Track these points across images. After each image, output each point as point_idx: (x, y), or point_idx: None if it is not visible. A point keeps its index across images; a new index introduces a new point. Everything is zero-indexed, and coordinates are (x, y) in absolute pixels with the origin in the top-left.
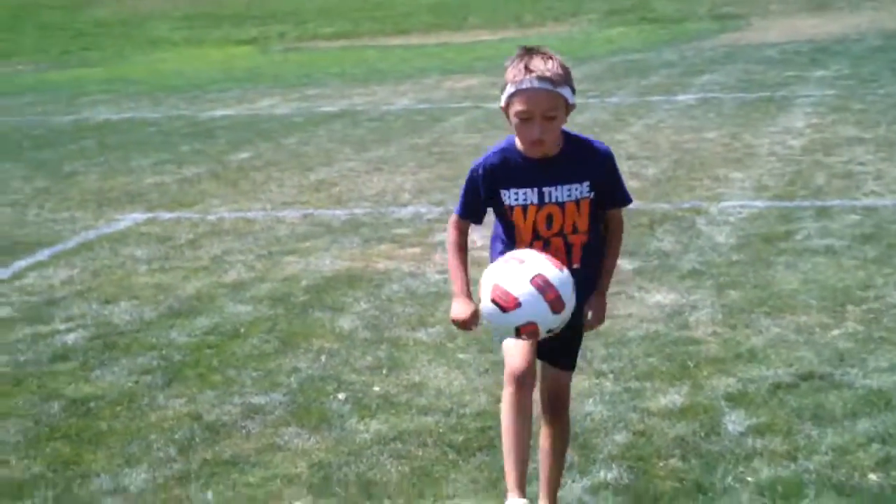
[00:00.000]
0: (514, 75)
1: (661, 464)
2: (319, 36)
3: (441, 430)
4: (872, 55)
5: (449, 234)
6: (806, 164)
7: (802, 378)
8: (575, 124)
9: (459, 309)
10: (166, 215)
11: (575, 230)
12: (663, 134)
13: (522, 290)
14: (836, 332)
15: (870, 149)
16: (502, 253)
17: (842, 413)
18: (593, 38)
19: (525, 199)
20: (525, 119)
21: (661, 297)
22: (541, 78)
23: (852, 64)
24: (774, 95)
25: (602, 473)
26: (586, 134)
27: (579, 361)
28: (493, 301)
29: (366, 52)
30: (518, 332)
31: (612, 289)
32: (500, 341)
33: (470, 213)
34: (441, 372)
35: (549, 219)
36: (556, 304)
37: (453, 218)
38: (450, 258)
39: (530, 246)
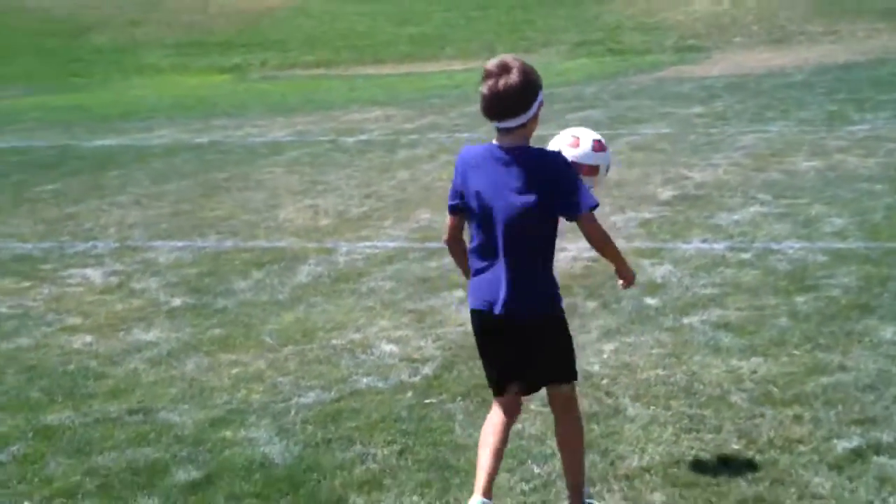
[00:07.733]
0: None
1: None
2: (299, 64)
3: None
4: (773, 91)
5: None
6: None
7: None
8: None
9: None
10: None
11: None
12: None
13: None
14: None
15: None
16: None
17: None
18: (549, 69)
19: None
20: None
21: None
22: None
23: (735, 101)
24: (620, 132)
25: None
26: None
27: None
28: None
29: (327, 83)
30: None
31: None
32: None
33: None
34: None
35: None
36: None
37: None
38: None
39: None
